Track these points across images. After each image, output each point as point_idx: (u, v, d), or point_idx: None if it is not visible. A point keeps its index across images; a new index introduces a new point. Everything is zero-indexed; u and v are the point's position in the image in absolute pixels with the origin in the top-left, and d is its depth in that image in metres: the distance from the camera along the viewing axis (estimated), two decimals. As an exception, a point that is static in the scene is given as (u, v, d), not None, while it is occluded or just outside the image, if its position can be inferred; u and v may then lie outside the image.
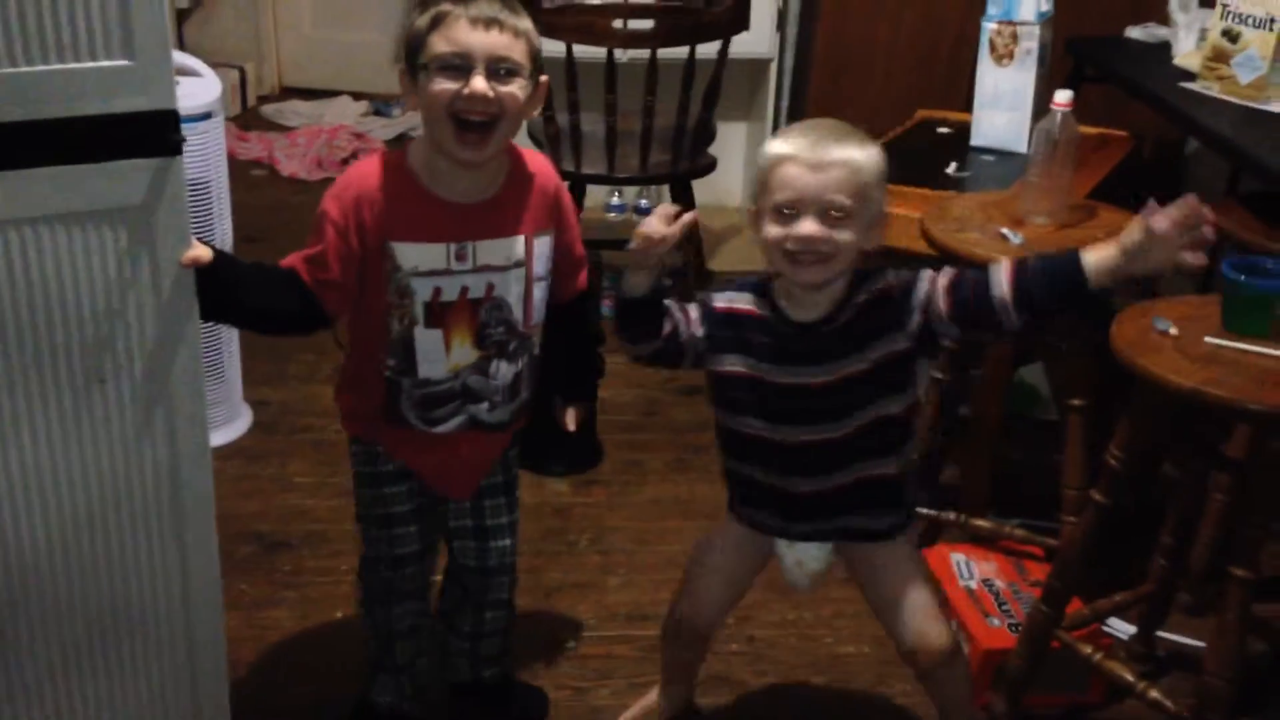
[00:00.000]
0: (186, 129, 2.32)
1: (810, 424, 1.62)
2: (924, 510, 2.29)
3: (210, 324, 2.47)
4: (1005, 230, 2.05)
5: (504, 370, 1.68)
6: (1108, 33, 3.08)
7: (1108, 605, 2.01)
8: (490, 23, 1.51)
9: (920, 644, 1.71)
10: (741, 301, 1.64)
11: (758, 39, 3.45)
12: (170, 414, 1.51)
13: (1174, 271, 1.49)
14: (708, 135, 3.14)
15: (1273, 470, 1.69)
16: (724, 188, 3.94)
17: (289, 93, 5.00)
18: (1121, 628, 2.15)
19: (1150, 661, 2.10)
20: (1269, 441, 1.69)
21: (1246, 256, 1.80)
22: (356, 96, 4.85)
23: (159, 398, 1.49)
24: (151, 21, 1.35)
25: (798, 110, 3.63)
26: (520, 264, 1.64)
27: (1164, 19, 2.98)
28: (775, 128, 3.78)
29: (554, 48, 2.80)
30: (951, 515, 2.28)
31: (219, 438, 2.64)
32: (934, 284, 1.58)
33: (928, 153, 2.79)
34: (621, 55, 2.97)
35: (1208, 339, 1.70)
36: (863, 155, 1.55)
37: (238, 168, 3.90)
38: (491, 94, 1.52)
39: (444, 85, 1.52)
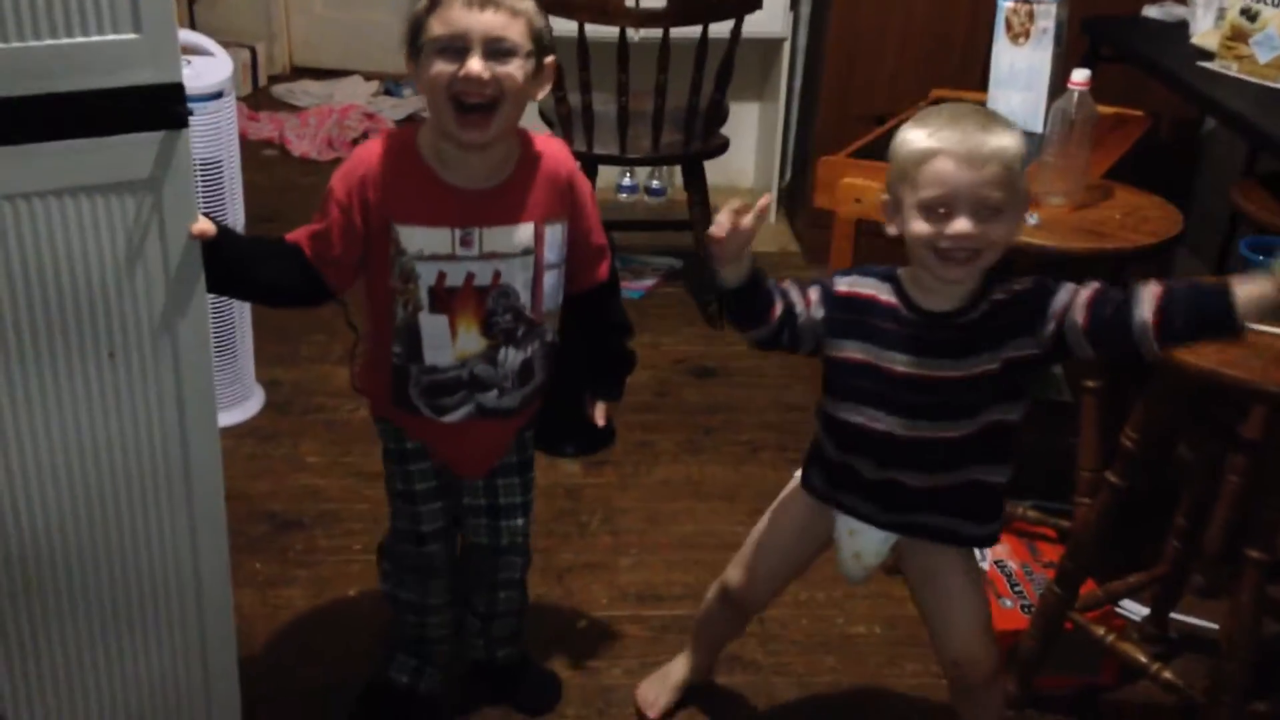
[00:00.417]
0: (198, 108, 2.36)
1: (931, 419, 1.55)
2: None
3: (218, 298, 2.51)
4: (1020, 210, 2.03)
5: (512, 357, 1.67)
6: (1124, 11, 3.05)
7: (1121, 587, 2.00)
8: (486, 3, 1.50)
9: (967, 658, 1.67)
10: (865, 286, 1.57)
11: (771, 18, 3.43)
12: (179, 387, 1.51)
13: None
14: (720, 116, 3.12)
15: (1289, 452, 1.68)
16: (736, 168, 3.93)
17: (300, 72, 4.98)
18: (1135, 609, 2.14)
19: (1163, 643, 2.09)
20: (1286, 423, 1.68)
21: (1265, 237, 1.78)
22: (367, 77, 4.84)
23: (167, 371, 1.50)
24: (157, -6, 1.35)
25: (812, 90, 3.61)
26: (529, 251, 1.63)
27: (1181, -3, 2.95)
28: (788, 108, 3.76)
29: (566, 27, 2.80)
30: (964, 497, 2.27)
31: (231, 417, 2.65)
32: (1075, 295, 1.50)
33: (942, 132, 2.76)
34: (634, 34, 2.95)
35: (1224, 320, 1.69)
36: (1014, 145, 1.48)
37: (249, 148, 3.90)
38: (487, 75, 1.50)
39: (441, 67, 1.52)
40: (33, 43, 1.31)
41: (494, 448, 1.75)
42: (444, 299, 1.61)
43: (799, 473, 1.74)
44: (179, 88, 1.40)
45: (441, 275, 1.60)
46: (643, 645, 2.08)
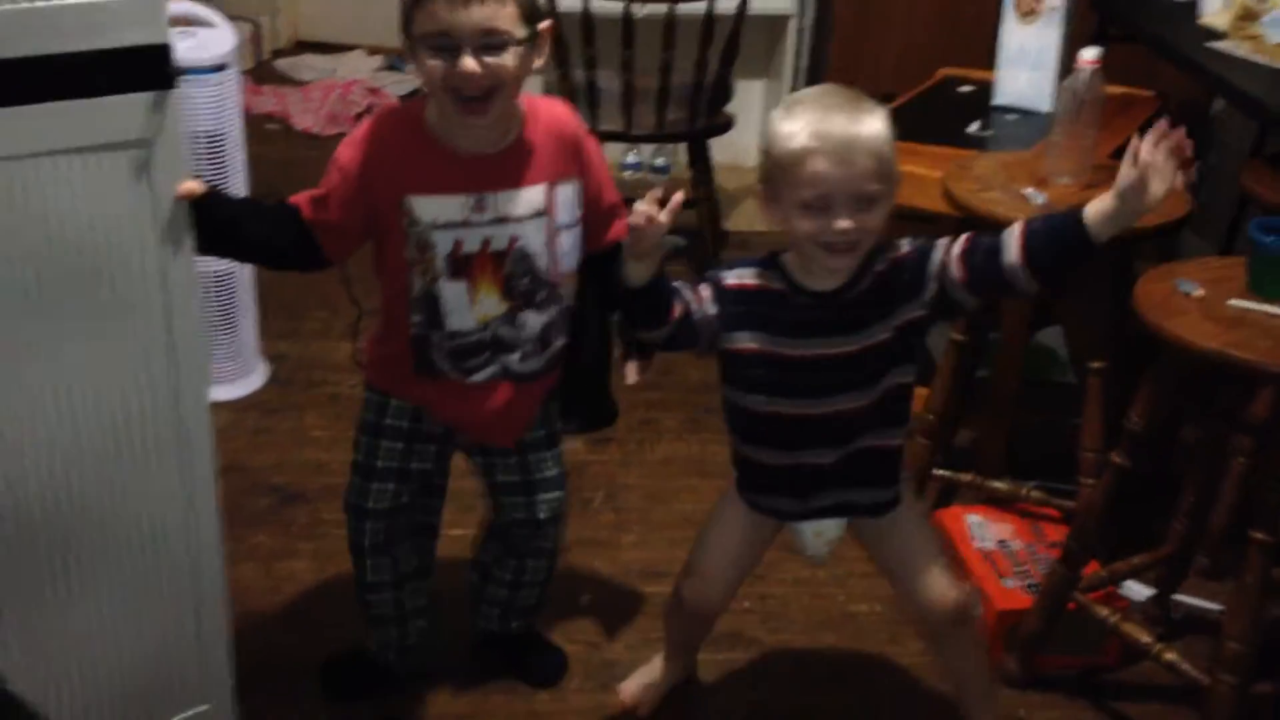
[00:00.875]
0: (201, 80, 2.36)
1: (830, 395, 1.60)
2: (940, 472, 2.29)
3: (222, 272, 2.51)
4: (1028, 190, 2.03)
5: (533, 320, 1.67)
6: (1134, -10, 3.03)
7: (1125, 568, 2.00)
8: None
9: (929, 601, 1.71)
10: (750, 277, 1.60)
11: (777, -6, 3.41)
12: (170, 348, 1.51)
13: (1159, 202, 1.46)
14: (725, 93, 3.10)
15: (1296, 434, 1.68)
16: (741, 146, 3.91)
17: (303, 46, 4.96)
18: (1138, 590, 2.14)
19: (1166, 624, 2.09)
20: (1292, 405, 1.68)
21: (1273, 218, 1.77)
22: (371, 51, 4.81)
23: (159, 331, 1.50)
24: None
25: (818, 68, 3.59)
26: (541, 214, 1.63)
27: (1191, -23, 2.92)
28: (794, 86, 3.74)
29: (571, 2, 2.78)
30: (968, 477, 2.27)
31: (235, 391, 2.65)
32: (948, 252, 1.55)
33: (949, 111, 2.75)
34: (639, 10, 2.93)
35: (1232, 302, 1.68)
36: (882, 130, 1.50)
37: (252, 121, 3.87)
38: (481, 70, 1.49)
39: (434, 63, 1.50)
40: (23, 4, 1.31)
41: (519, 413, 1.74)
42: (462, 265, 1.61)
43: (733, 477, 1.75)
44: (166, 48, 1.41)
45: (458, 243, 1.60)
46: (645, 621, 2.09)
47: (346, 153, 1.60)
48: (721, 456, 2.61)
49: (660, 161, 3.96)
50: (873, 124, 1.49)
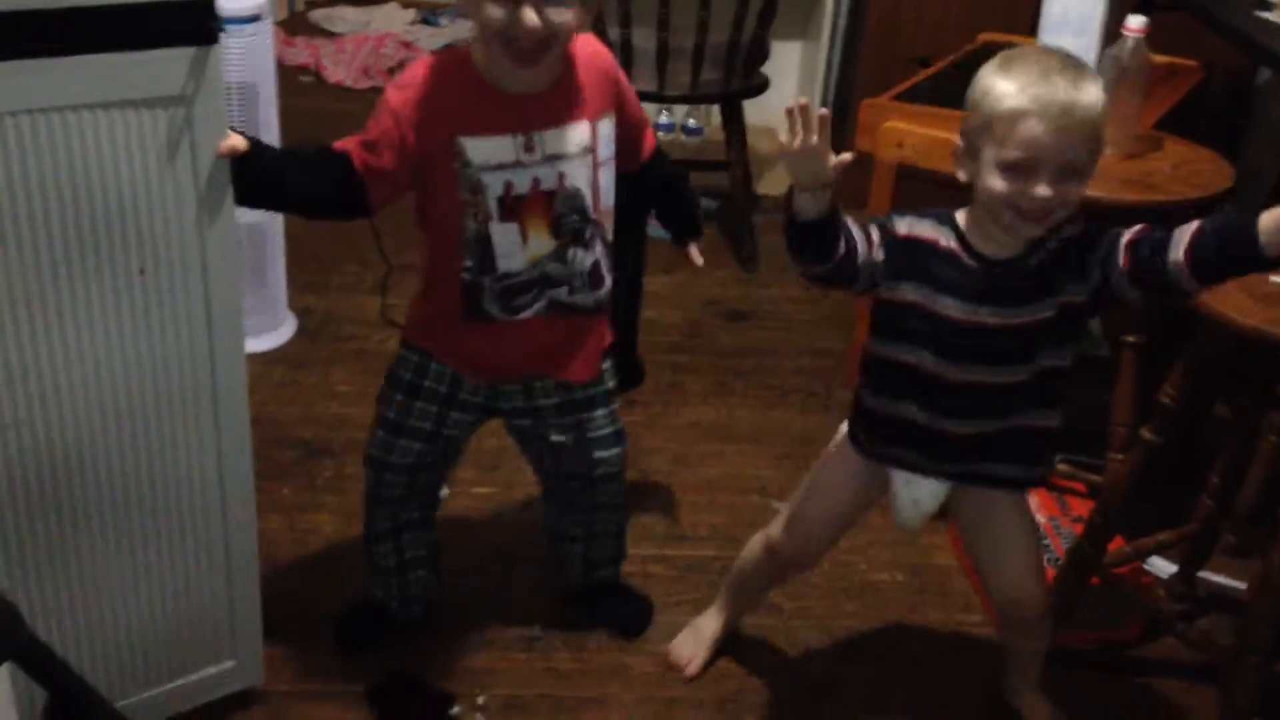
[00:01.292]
0: (234, 30, 2.34)
1: (983, 364, 1.55)
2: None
3: (253, 224, 2.51)
4: (1066, 159, 1.99)
5: (581, 257, 1.68)
6: (1181, -43, 2.96)
7: (1150, 543, 1.99)
8: None
9: (1022, 596, 1.70)
10: (924, 229, 1.54)
11: (817, -46, 3.36)
12: (207, 303, 1.52)
13: None
14: (761, 54, 3.07)
15: (1331, 414, 1.65)
16: (775, 109, 3.85)
17: (337, -2, 4.94)
18: (1163, 566, 2.13)
19: (1190, 601, 2.08)
20: (1329, 385, 1.65)
21: (1317, 194, 1.74)
22: (405, 4, 4.79)
23: (196, 287, 1.50)
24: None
25: (856, 31, 3.54)
26: (588, 150, 1.63)
27: (1242, -56, 2.86)
28: (831, 48, 3.69)
29: (608, -43, 2.75)
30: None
31: (263, 344, 2.66)
32: (1119, 238, 1.49)
33: (988, 77, 2.71)
34: (676, -33, 2.90)
35: (1274, 278, 1.66)
36: (1101, 99, 1.44)
37: (285, 73, 3.86)
38: (541, 24, 1.48)
39: (494, 13, 1.49)
40: (66, -43, 1.29)
41: (570, 348, 1.73)
42: (513, 207, 1.61)
43: (842, 432, 1.73)
44: (210, 4, 1.40)
45: (509, 184, 1.60)
46: (667, 584, 2.09)
47: (397, 95, 1.59)
48: (748, 421, 2.62)
49: (693, 123, 3.93)
50: (1092, 92, 1.44)
